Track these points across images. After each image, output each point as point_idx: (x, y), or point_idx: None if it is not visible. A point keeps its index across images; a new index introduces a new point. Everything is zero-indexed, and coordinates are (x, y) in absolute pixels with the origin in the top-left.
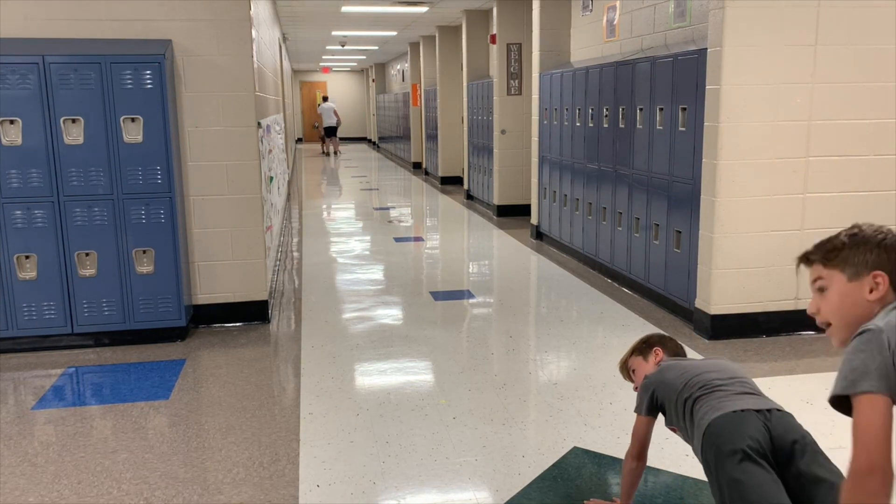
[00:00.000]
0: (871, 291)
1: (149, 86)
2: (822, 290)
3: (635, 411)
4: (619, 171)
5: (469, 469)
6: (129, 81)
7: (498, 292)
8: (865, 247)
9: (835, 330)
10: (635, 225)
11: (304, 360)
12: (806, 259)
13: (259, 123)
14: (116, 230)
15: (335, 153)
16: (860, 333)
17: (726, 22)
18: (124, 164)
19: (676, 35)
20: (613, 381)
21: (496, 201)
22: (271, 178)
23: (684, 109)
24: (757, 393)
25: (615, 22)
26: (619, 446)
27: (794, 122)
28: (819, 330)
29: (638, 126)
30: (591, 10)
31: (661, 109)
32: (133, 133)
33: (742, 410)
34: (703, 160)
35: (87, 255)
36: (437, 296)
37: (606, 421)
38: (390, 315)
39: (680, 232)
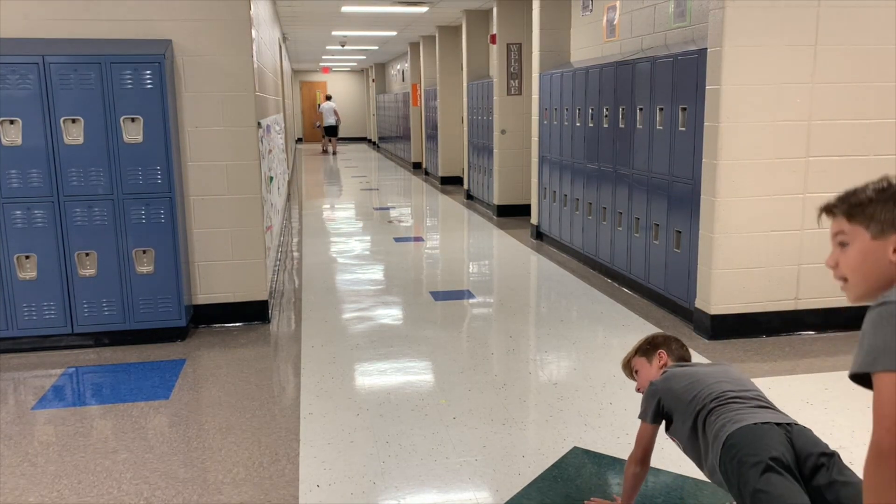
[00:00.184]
0: (895, 252)
1: (149, 86)
2: (843, 244)
3: (640, 417)
4: (619, 171)
5: (469, 469)
6: (129, 81)
7: (498, 292)
8: (894, 203)
9: (851, 287)
10: (635, 225)
11: (304, 360)
12: (829, 210)
13: (259, 123)
14: (116, 230)
15: (333, 153)
16: (882, 304)
17: (726, 22)
18: (124, 164)
19: (676, 35)
20: (613, 381)
21: (496, 201)
22: (271, 178)
23: (684, 109)
24: (773, 407)
25: (615, 22)
26: (619, 446)
27: (794, 122)
28: (818, 329)
29: (638, 126)
30: (591, 10)
31: (661, 109)
32: (133, 133)
33: (763, 423)
34: (703, 160)
35: (87, 255)
36: (437, 296)
37: (606, 421)
38: (390, 315)
39: (680, 232)
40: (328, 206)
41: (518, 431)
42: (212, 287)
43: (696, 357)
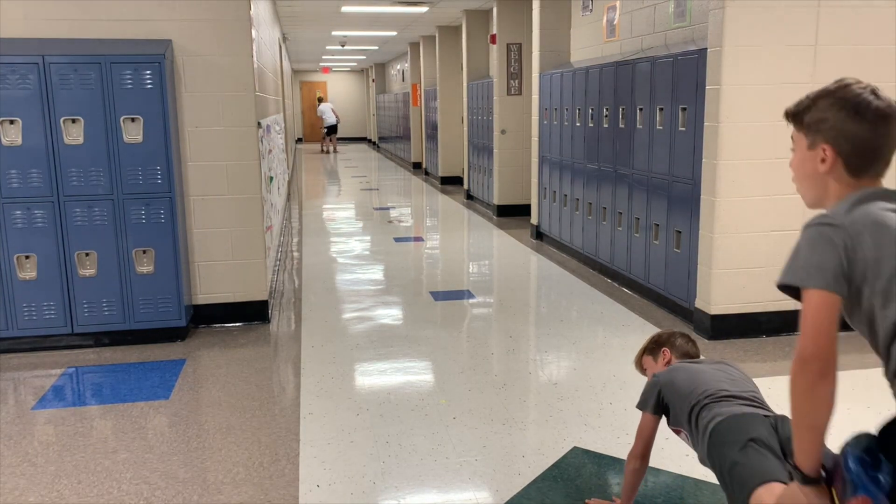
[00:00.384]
0: (822, 162)
1: (149, 86)
2: (793, 150)
3: (638, 407)
4: (619, 171)
5: (469, 469)
6: (129, 81)
7: (498, 292)
8: (825, 113)
9: (800, 193)
10: (635, 225)
11: (304, 360)
12: (786, 115)
13: (259, 123)
14: (116, 230)
15: (333, 151)
16: (818, 224)
17: (726, 22)
18: (124, 164)
19: (676, 35)
20: (613, 381)
21: (496, 201)
22: (271, 178)
23: (684, 109)
24: (766, 407)
25: (615, 22)
26: (619, 446)
27: None
28: None
29: (638, 126)
30: (591, 10)
31: (661, 109)
32: (133, 133)
33: (749, 413)
34: (703, 160)
35: (87, 255)
36: (437, 296)
37: (606, 421)
38: (390, 315)
39: (680, 232)
40: (328, 206)
41: (518, 431)
42: (212, 287)
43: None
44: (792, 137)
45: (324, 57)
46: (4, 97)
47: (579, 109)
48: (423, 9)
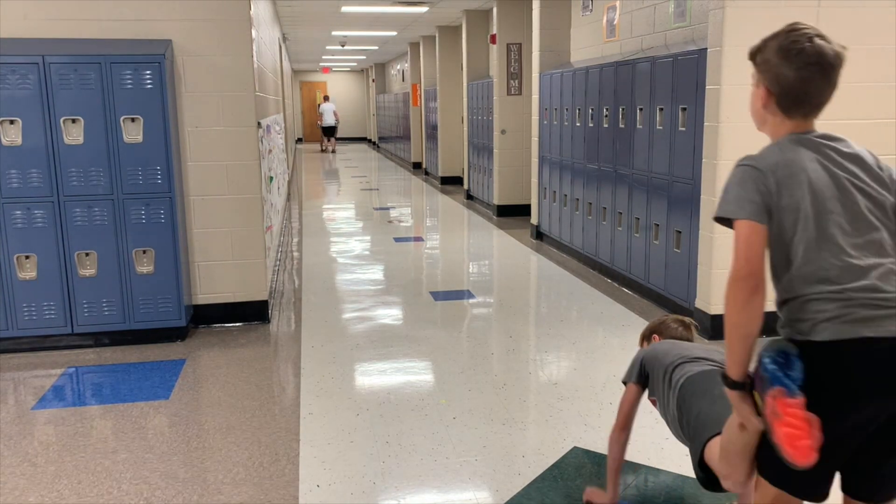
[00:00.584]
0: (763, 106)
1: (149, 86)
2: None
3: (623, 380)
4: (619, 171)
5: (469, 469)
6: (129, 81)
7: (498, 292)
8: (767, 55)
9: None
10: (635, 225)
11: (304, 360)
12: (748, 56)
13: (259, 123)
14: (116, 230)
15: (332, 151)
16: (747, 165)
17: (726, 22)
18: (124, 164)
19: (676, 35)
20: (613, 381)
21: (496, 201)
22: (271, 178)
23: (684, 109)
24: None
25: (615, 22)
26: None
27: None
28: None
29: (638, 126)
30: (591, 10)
31: (661, 109)
32: (133, 133)
33: (719, 371)
34: (703, 160)
35: (87, 255)
36: (437, 296)
37: (606, 421)
38: (390, 315)
39: (680, 232)
40: (328, 206)
41: (518, 431)
42: (212, 287)
43: None
44: (752, 75)
45: (324, 57)
46: (4, 97)
47: (579, 109)
48: (423, 9)
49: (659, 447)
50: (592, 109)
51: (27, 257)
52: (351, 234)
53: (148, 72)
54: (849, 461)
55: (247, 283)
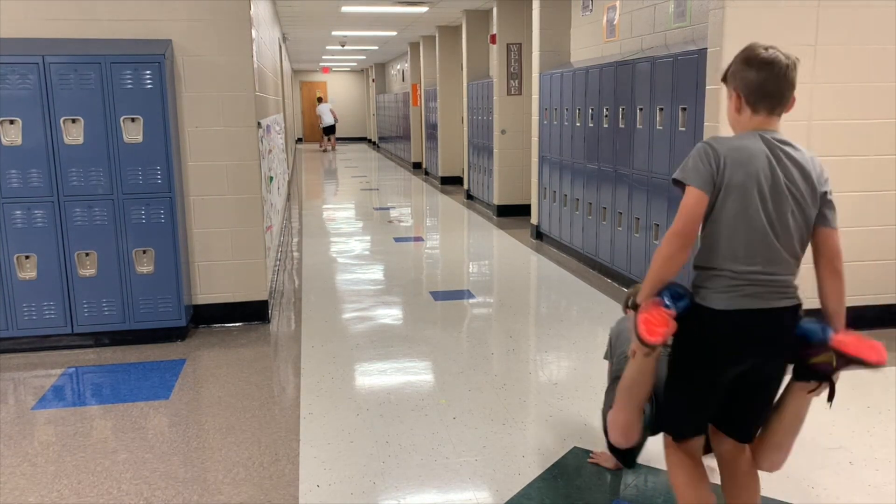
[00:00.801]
0: (736, 110)
1: (149, 86)
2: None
3: (605, 358)
4: (619, 171)
5: (469, 469)
6: (129, 81)
7: (498, 292)
8: (734, 66)
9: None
10: (635, 225)
11: (304, 360)
12: (721, 79)
13: (259, 123)
14: (116, 230)
15: (332, 149)
16: (706, 144)
17: (726, 22)
18: (124, 164)
19: (676, 35)
20: None
21: (496, 201)
22: (271, 178)
23: (684, 109)
24: None
25: (615, 22)
26: None
27: (793, 122)
28: None
29: (638, 126)
30: (591, 10)
31: (661, 109)
32: (133, 133)
33: None
34: None
35: (87, 255)
36: (437, 296)
37: None
38: (390, 315)
39: None
40: (328, 206)
41: (518, 431)
42: (212, 287)
43: None
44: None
45: (324, 57)
46: (4, 97)
47: (579, 109)
48: (423, 9)
49: (659, 449)
50: (592, 109)
51: (27, 257)
52: (351, 234)
53: (148, 72)
54: (724, 407)
55: (247, 283)
